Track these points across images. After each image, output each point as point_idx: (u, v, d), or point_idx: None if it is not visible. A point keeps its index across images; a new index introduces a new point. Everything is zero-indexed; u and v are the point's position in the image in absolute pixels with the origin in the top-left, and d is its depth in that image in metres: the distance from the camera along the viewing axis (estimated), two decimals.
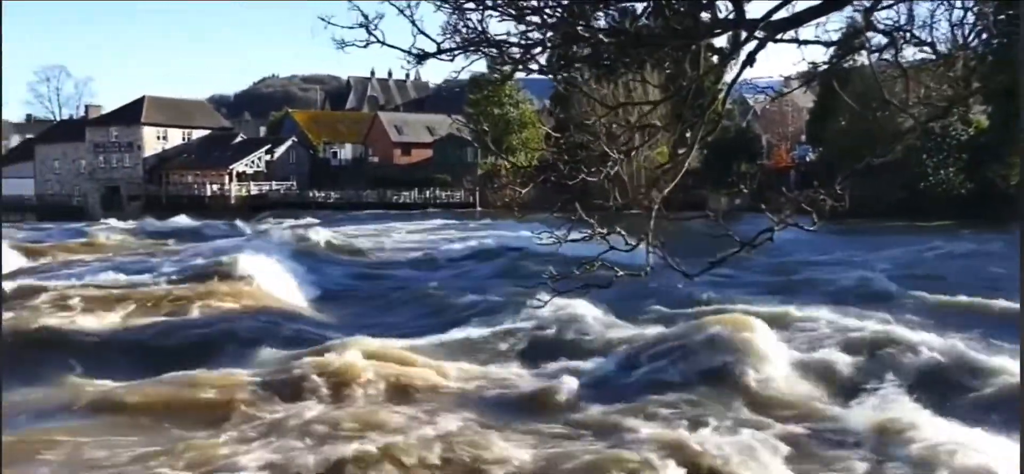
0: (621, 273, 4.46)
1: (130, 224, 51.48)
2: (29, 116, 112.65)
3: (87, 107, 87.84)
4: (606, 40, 4.02)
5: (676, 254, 4.68)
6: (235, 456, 10.44)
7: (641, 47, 4.32)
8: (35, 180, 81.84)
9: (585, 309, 17.39)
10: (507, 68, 5.73)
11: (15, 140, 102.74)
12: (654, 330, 16.08)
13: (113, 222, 53.16)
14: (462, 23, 4.97)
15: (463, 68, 4.93)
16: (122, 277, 25.39)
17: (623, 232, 4.38)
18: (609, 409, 12.18)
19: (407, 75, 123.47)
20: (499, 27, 5.02)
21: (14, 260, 32.13)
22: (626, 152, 4.43)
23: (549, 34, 4.42)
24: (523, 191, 5.26)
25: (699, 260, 5.15)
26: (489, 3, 4.38)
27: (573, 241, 4.60)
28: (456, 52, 4.66)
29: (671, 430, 11.16)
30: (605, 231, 4.35)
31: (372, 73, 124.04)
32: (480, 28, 4.47)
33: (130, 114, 79.10)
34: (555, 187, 5.58)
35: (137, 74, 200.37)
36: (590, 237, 4.49)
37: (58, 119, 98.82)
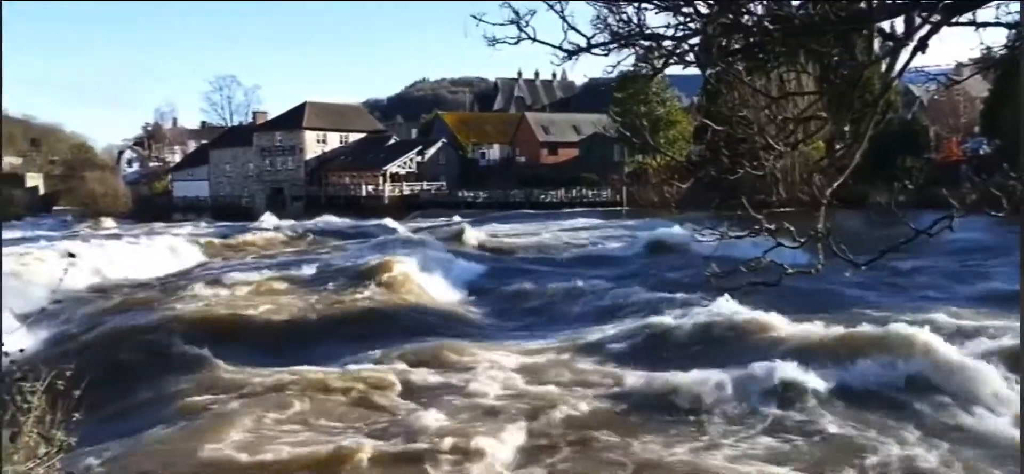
0: (791, 270, 4.22)
1: (292, 223, 54.40)
2: (204, 123, 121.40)
3: (255, 113, 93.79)
4: (772, 28, 3.84)
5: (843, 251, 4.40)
6: (364, 447, 10.78)
7: (806, 35, 4.11)
8: (209, 182, 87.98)
9: (746, 309, 16.42)
10: (658, 62, 5.62)
11: (191, 145, 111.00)
12: (821, 333, 15.02)
13: (277, 221, 56.33)
14: (615, 17, 4.91)
15: (618, 64, 4.86)
16: (284, 272, 26.86)
17: (791, 227, 4.15)
18: (771, 417, 11.57)
19: (553, 75, 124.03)
20: (652, 20, 4.93)
21: (193, 255, 34.82)
22: (791, 146, 4.22)
23: (707, 25, 4.28)
24: (684, 186, 5.10)
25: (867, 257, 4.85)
26: None
27: (736, 237, 4.42)
28: (610, 46, 4.60)
29: (853, 452, 10.47)
30: (773, 227, 4.13)
31: (519, 74, 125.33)
32: (636, 22, 4.39)
33: (293, 119, 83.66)
34: (703, 184, 5.43)
35: (299, 81, 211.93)
36: (756, 233, 4.29)
37: (229, 125, 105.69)
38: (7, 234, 49.27)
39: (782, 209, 4.81)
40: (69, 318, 18.80)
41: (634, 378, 13.55)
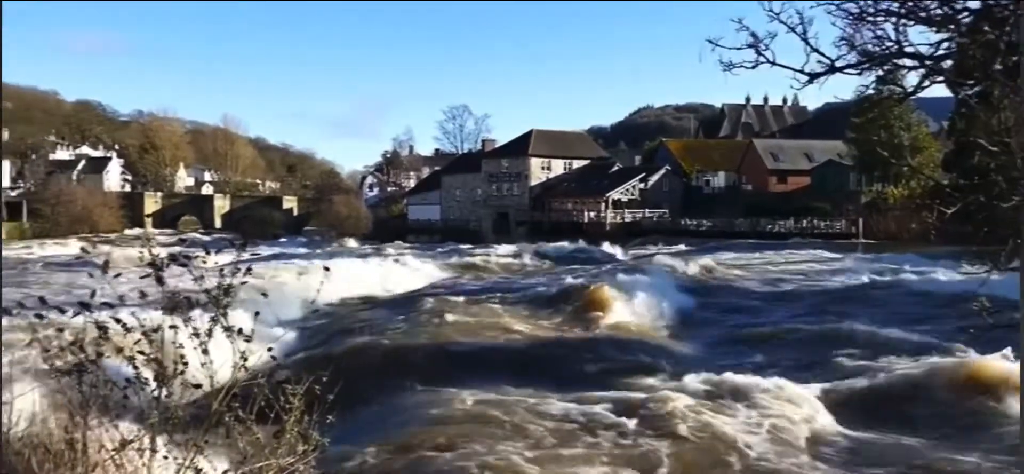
0: None
1: (516, 247, 56.10)
2: (437, 150, 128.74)
3: (484, 141, 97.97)
4: None
5: None
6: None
7: None
8: (440, 206, 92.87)
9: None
10: (911, 82, 5.24)
11: (425, 171, 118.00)
12: None
13: (502, 245, 58.33)
14: (864, 35, 4.63)
15: (869, 86, 4.58)
16: (506, 294, 27.75)
17: None
18: None
19: (784, 100, 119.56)
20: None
21: (426, 274, 37.03)
22: None
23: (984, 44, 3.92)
24: (947, 212, 4.67)
25: None
26: (903, 10, 4.01)
27: (1011, 270, 3.96)
28: (863, 66, 4.34)
29: None
30: None
31: (747, 100, 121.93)
32: (893, 38, 4.11)
33: (519, 147, 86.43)
34: (950, 216, 4.96)
35: (526, 109, 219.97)
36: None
37: (460, 153, 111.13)
38: (270, 250, 54.70)
39: None
40: (320, 327, 20.45)
41: (874, 442, 12.36)
